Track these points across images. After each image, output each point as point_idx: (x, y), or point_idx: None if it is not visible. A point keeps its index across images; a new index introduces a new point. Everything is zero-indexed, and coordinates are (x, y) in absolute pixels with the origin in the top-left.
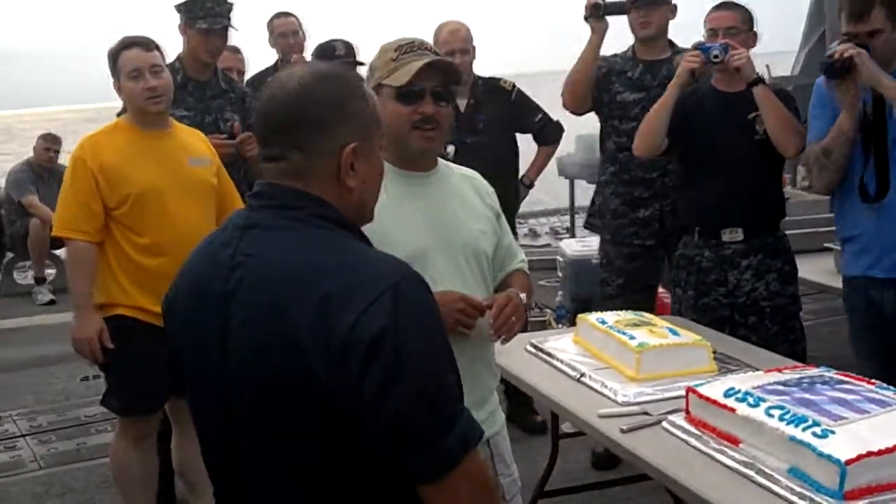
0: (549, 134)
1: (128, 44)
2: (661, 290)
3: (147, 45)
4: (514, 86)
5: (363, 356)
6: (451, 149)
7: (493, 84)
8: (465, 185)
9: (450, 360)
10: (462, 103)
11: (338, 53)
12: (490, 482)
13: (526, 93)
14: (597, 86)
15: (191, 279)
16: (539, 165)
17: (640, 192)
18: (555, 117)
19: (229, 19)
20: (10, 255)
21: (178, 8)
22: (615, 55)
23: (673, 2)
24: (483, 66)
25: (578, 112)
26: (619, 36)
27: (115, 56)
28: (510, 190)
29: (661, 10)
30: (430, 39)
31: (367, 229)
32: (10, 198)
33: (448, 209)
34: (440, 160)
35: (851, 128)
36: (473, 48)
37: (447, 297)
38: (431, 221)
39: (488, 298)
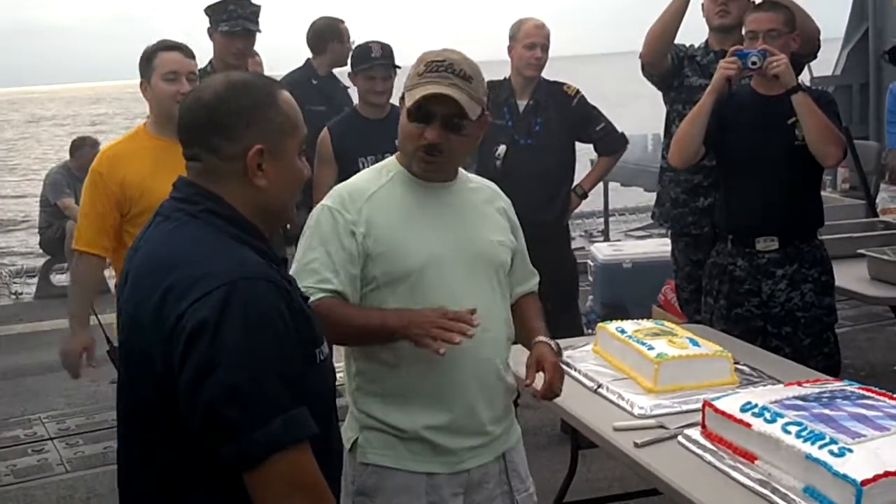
0: (610, 144)
1: (169, 46)
2: (666, 285)
3: (188, 51)
4: (577, 91)
5: (183, 346)
6: (501, 149)
7: (556, 87)
8: (481, 196)
9: (277, 361)
10: (522, 104)
11: (373, 55)
12: (313, 483)
13: (589, 100)
14: (672, 71)
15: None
16: (596, 176)
17: (699, 180)
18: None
19: (252, 21)
20: (47, 257)
21: (206, 12)
22: (690, 45)
23: None
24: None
25: (653, 70)
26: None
27: (150, 56)
28: (559, 197)
29: (741, 0)
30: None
31: (382, 236)
32: (47, 200)
33: (465, 219)
34: (459, 170)
35: None
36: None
37: (426, 312)
38: (447, 231)
39: (529, 369)
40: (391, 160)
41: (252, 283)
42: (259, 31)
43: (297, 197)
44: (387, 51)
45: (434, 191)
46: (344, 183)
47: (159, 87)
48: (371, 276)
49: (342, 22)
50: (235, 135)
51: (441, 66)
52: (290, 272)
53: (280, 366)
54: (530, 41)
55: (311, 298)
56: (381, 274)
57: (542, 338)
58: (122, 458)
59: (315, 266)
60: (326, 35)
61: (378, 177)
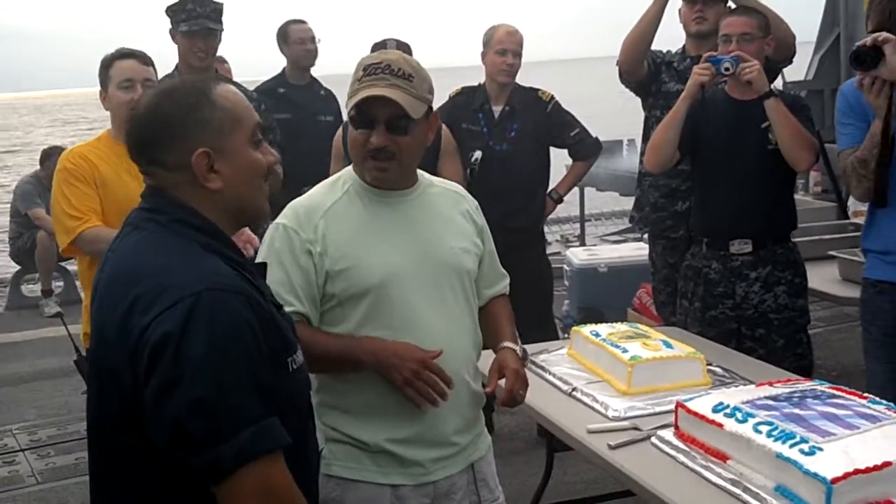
0: (584, 149)
1: (124, 54)
2: (641, 288)
3: (143, 58)
4: (552, 98)
5: (147, 361)
6: (477, 154)
7: (530, 94)
8: (444, 200)
9: (246, 372)
10: (497, 110)
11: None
12: (287, 495)
13: (564, 106)
14: (649, 78)
15: None
16: (570, 181)
17: (677, 185)
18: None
19: (214, 20)
20: (17, 267)
21: (166, 13)
22: (668, 51)
23: (730, 3)
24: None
25: (630, 77)
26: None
27: (108, 64)
28: (535, 202)
29: (718, 6)
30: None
31: (339, 254)
32: (18, 210)
33: (426, 228)
34: (421, 173)
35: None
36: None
37: (403, 355)
38: (407, 242)
39: (491, 375)
40: (347, 171)
41: (218, 294)
42: (221, 29)
43: (265, 189)
44: (403, 47)
45: (392, 200)
46: (299, 198)
47: (115, 95)
48: (330, 293)
49: (301, 22)
50: (173, 144)
51: (378, 67)
52: None
53: (250, 377)
54: (502, 48)
55: None
56: (341, 291)
57: (507, 343)
58: (92, 468)
59: (275, 289)
60: (278, 38)
61: (333, 190)
